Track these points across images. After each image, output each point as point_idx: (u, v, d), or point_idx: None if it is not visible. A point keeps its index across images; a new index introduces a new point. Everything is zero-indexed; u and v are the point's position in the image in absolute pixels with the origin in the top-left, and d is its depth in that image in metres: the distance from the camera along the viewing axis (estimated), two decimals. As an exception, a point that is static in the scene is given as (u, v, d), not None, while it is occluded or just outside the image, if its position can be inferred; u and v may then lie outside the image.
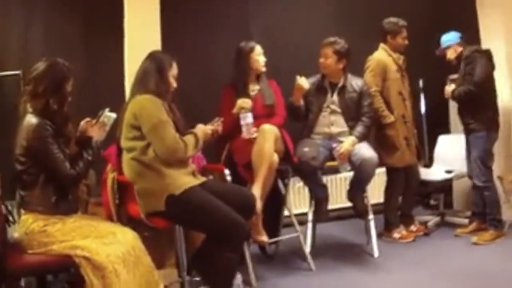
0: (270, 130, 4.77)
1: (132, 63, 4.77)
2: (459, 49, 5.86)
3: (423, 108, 7.28)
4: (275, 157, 4.78)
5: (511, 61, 6.34)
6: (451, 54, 5.92)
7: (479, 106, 5.72)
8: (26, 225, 3.42)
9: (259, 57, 5.19)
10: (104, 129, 3.88)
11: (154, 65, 4.07)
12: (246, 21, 6.72)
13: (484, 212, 5.88)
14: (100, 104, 3.98)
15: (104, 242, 3.37)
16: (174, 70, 4.14)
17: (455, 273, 4.90)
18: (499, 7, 6.47)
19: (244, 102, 4.93)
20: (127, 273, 3.33)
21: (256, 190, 4.58)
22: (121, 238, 3.47)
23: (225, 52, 5.68)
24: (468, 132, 5.90)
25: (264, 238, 4.86)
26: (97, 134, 3.81)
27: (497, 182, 5.97)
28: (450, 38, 5.94)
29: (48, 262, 3.35)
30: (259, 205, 4.49)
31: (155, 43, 4.90)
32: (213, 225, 3.81)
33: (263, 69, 5.23)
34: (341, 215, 6.74)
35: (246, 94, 5.10)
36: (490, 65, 5.78)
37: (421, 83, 7.24)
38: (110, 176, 4.14)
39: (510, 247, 5.53)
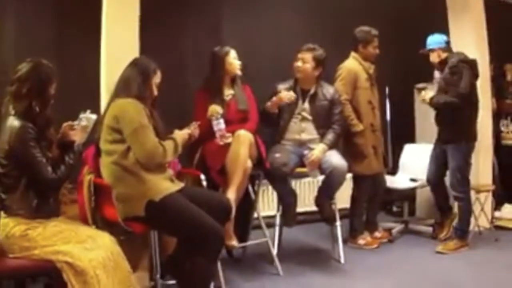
0: (245, 136, 4.83)
1: (109, 66, 4.80)
2: (444, 55, 5.91)
3: (388, 116, 7.37)
4: (249, 163, 4.85)
5: (481, 77, 6.39)
6: (434, 58, 5.97)
7: (461, 118, 5.78)
8: (7, 229, 3.39)
9: (234, 60, 5.23)
10: (85, 131, 3.88)
11: (138, 70, 4.08)
12: (219, 27, 6.74)
13: (447, 205, 6.15)
14: (74, 107, 3.95)
15: (85, 247, 3.38)
16: (157, 78, 4.17)
17: (421, 280, 5.03)
18: (470, 18, 6.66)
19: (214, 110, 4.92)
20: (107, 278, 3.34)
21: (231, 195, 4.62)
22: (101, 243, 3.48)
23: (198, 57, 5.79)
24: (445, 142, 5.95)
25: (234, 242, 4.91)
26: (79, 137, 3.81)
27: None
28: (435, 41, 5.98)
29: (30, 267, 3.34)
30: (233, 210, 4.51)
31: (133, 47, 4.88)
32: (191, 231, 3.83)
33: (239, 72, 5.27)
34: (306, 219, 6.80)
35: (220, 99, 5.13)
36: (474, 75, 5.84)
37: (387, 90, 7.34)
38: (87, 178, 4.11)
39: (473, 256, 5.68)
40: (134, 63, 4.17)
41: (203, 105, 5.05)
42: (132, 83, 4.02)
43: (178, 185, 4.07)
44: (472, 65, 5.83)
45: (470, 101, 5.81)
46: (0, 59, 5.30)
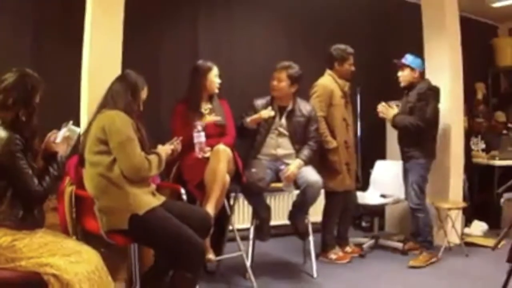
0: (224, 151, 4.89)
1: (91, 77, 4.91)
2: (415, 80, 6.17)
3: (359, 132, 7.48)
4: (228, 178, 4.91)
5: (454, 97, 6.80)
6: (407, 76, 6.21)
7: (422, 138, 6.07)
8: (-7, 240, 3.41)
9: (215, 78, 5.32)
10: (68, 143, 3.90)
11: (128, 85, 4.16)
12: (195, 42, 6.82)
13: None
14: (51, 119, 3.93)
15: (71, 260, 3.38)
16: (144, 94, 4.26)
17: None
18: (446, 38, 6.89)
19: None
20: (91, 292, 3.38)
21: (210, 210, 4.66)
22: (86, 257, 3.49)
23: (173, 70, 6.03)
24: (406, 158, 6.23)
25: (211, 256, 4.97)
26: (62, 149, 3.82)
27: (434, 210, 6.37)
28: (417, 63, 6.22)
29: (15, 278, 3.33)
30: (212, 224, 4.59)
31: (117, 59, 4.99)
32: (173, 244, 3.90)
33: (216, 90, 5.37)
34: (277, 233, 6.80)
35: (198, 112, 5.21)
36: (438, 101, 6.13)
37: (358, 107, 7.46)
38: (68, 189, 4.17)
39: (446, 270, 5.88)
40: (123, 77, 4.25)
41: (181, 118, 5.16)
42: (121, 97, 4.08)
43: (160, 199, 4.13)
44: (437, 92, 6.15)
45: (432, 125, 6.13)
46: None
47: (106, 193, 3.91)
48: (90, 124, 4.07)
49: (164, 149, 4.32)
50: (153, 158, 4.08)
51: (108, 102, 4.10)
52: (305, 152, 5.61)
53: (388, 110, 6.19)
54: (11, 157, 3.42)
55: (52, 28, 5.64)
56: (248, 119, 5.47)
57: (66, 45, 5.43)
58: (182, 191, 4.68)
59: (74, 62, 5.14)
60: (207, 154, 4.89)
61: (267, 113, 5.42)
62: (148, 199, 3.97)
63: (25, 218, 3.52)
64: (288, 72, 5.58)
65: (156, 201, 4.04)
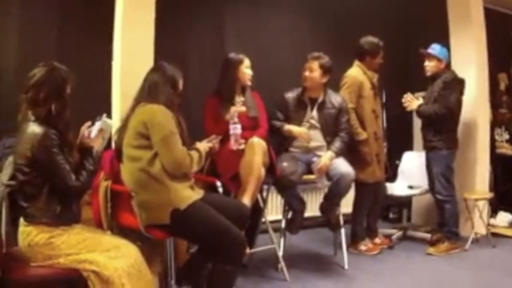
0: (259, 144, 4.68)
1: (124, 71, 4.73)
2: (441, 70, 5.97)
3: (385, 124, 7.26)
4: (263, 171, 4.70)
5: (480, 88, 6.62)
6: (433, 66, 6.00)
7: (445, 127, 5.89)
8: (30, 237, 3.21)
9: (247, 70, 5.08)
10: (102, 137, 3.68)
11: (167, 77, 3.92)
12: (222, 34, 6.60)
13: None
14: (83, 113, 3.68)
15: (110, 256, 3.22)
16: (181, 86, 4.03)
17: (428, 285, 4.99)
18: (471, 30, 6.69)
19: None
20: (131, 287, 3.19)
21: (245, 202, 4.48)
22: (125, 252, 3.32)
23: (200, 65, 5.89)
24: (429, 148, 6.03)
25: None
26: (97, 144, 3.61)
27: (462, 201, 6.14)
28: (444, 53, 6.02)
29: (54, 275, 3.17)
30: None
31: (149, 53, 4.80)
32: (215, 238, 3.70)
33: (249, 82, 5.13)
34: (306, 225, 6.53)
35: (231, 105, 4.96)
36: (461, 93, 5.97)
37: (384, 98, 7.23)
38: (103, 184, 3.93)
39: (475, 262, 5.65)
40: (159, 69, 4.01)
41: (213, 111, 4.95)
42: (160, 90, 3.86)
43: (200, 193, 3.92)
44: (462, 83, 5.98)
45: (455, 114, 5.96)
46: (4, 64, 5.07)
47: (146, 188, 3.69)
48: (127, 118, 3.85)
49: (203, 146, 4.10)
50: (194, 153, 3.88)
51: (145, 94, 3.87)
52: (337, 144, 5.37)
53: (413, 100, 5.99)
54: (47, 153, 3.24)
55: (78, 21, 5.40)
56: (285, 128, 5.39)
57: (93, 38, 5.23)
58: (218, 183, 4.46)
59: (102, 55, 4.97)
60: (242, 146, 4.67)
61: (305, 135, 5.33)
62: (188, 193, 3.76)
63: (62, 213, 3.33)
64: (320, 62, 5.37)
65: (196, 195, 3.83)
